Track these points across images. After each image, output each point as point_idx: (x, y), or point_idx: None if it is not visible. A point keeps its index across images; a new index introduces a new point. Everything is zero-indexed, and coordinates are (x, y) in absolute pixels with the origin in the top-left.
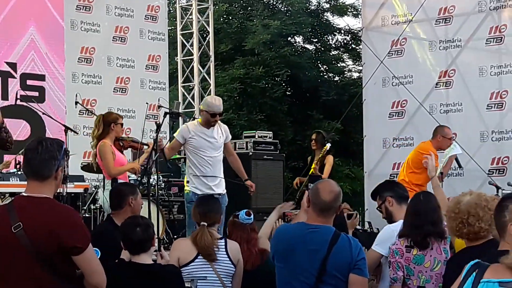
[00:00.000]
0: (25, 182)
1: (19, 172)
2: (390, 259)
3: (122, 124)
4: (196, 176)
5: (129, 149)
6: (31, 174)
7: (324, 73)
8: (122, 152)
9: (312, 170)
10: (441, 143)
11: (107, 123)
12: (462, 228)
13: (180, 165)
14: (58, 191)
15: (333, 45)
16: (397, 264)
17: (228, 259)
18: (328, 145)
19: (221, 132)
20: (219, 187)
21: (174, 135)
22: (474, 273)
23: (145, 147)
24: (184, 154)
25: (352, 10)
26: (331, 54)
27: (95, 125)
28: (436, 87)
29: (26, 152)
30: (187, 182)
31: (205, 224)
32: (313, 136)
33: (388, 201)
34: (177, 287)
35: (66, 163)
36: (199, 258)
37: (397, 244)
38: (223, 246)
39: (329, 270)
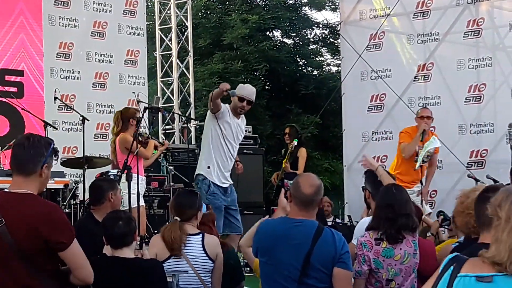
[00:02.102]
0: (5, 178)
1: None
2: (357, 252)
3: (140, 119)
4: (219, 167)
5: None
6: (16, 169)
7: (303, 67)
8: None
9: (283, 165)
10: (417, 123)
11: (126, 119)
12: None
13: (160, 159)
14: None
15: (312, 39)
16: (364, 257)
17: (204, 254)
18: (295, 142)
19: (244, 126)
20: (229, 177)
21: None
22: (451, 267)
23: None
24: (166, 149)
25: (330, 4)
26: (309, 48)
27: (114, 122)
28: (414, 80)
29: (13, 147)
30: (208, 167)
31: (178, 219)
32: (286, 130)
33: (367, 194)
34: (159, 281)
35: (55, 161)
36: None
37: (366, 236)
38: (200, 242)
39: (313, 264)
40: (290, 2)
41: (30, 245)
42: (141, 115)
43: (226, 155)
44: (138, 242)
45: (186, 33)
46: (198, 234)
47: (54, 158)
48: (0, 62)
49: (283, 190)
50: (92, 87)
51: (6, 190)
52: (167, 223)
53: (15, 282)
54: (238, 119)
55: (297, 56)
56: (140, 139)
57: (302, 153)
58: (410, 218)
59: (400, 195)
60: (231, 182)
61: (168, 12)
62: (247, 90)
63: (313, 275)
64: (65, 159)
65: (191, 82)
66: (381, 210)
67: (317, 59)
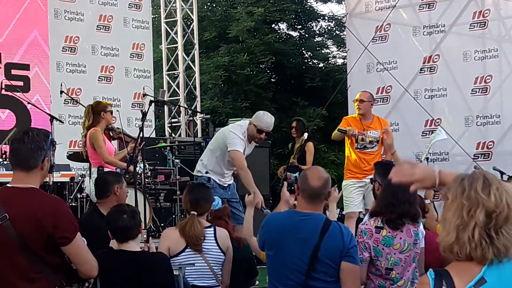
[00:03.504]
0: (11, 172)
1: (5, 162)
2: (358, 239)
3: (111, 112)
4: (219, 175)
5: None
6: (17, 165)
7: (309, 60)
8: (111, 142)
9: (291, 161)
10: None
11: (97, 112)
12: None
13: (166, 153)
14: (44, 180)
15: (317, 32)
16: (364, 244)
17: (217, 247)
18: (305, 135)
19: (252, 148)
20: (231, 178)
21: (235, 148)
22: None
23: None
24: (172, 142)
25: None
26: (315, 40)
27: (85, 115)
28: (420, 72)
29: (12, 142)
30: (206, 172)
31: (195, 213)
32: (293, 124)
33: (376, 186)
34: (166, 274)
35: (52, 153)
36: (189, 248)
37: (366, 224)
38: (212, 234)
39: (321, 258)
40: None
41: (34, 239)
42: (111, 109)
43: (229, 167)
44: (145, 236)
45: (191, 26)
46: (210, 227)
47: (52, 149)
48: (15, 55)
49: (285, 183)
50: (98, 80)
51: (8, 185)
52: (173, 216)
53: (19, 275)
54: (250, 143)
55: (303, 48)
56: (112, 134)
57: (310, 147)
58: (412, 206)
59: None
60: (231, 182)
61: (174, 5)
62: (266, 123)
63: (321, 269)
64: (71, 152)
65: (197, 75)
66: (385, 195)
67: (323, 51)
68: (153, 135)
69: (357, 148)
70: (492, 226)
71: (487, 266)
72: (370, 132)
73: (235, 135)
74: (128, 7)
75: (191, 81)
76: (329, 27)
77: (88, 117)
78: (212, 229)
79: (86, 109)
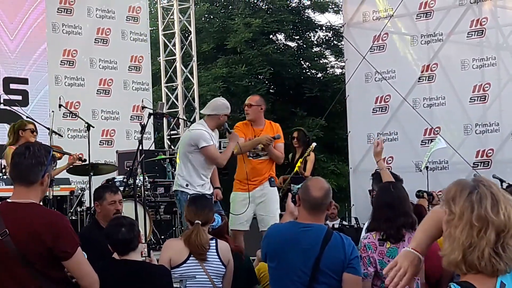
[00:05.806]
0: (11, 187)
1: (5, 177)
2: (362, 254)
3: (32, 130)
4: (198, 180)
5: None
6: (18, 179)
7: (307, 70)
8: None
9: (296, 169)
10: None
11: (16, 131)
12: None
13: (165, 165)
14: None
15: (315, 42)
16: (369, 259)
17: (218, 259)
18: (314, 145)
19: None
20: (210, 185)
21: (204, 144)
22: None
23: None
24: (172, 154)
25: (333, 6)
26: (313, 51)
27: (8, 134)
28: (419, 81)
29: (13, 156)
30: (186, 185)
31: (199, 222)
32: (295, 134)
33: (373, 195)
34: (166, 286)
35: (53, 168)
36: (191, 259)
37: (369, 238)
38: (214, 247)
39: (323, 269)
40: (293, 5)
41: (35, 254)
42: (32, 127)
43: (206, 168)
44: (145, 249)
45: (189, 38)
46: (212, 239)
47: (52, 165)
48: (21, 70)
49: (290, 194)
50: (97, 93)
51: (8, 200)
52: (173, 228)
53: None
54: (214, 132)
55: (301, 59)
56: None
57: (311, 157)
58: (409, 216)
59: (399, 193)
60: (212, 191)
61: (171, 17)
62: (228, 107)
63: (323, 280)
64: (71, 166)
65: (195, 87)
66: (380, 211)
67: (321, 61)
68: (153, 148)
69: (249, 156)
70: (500, 244)
71: (500, 276)
72: None
73: (199, 131)
74: (126, 20)
75: (190, 93)
76: (327, 37)
77: (10, 136)
78: (214, 241)
79: (9, 128)
